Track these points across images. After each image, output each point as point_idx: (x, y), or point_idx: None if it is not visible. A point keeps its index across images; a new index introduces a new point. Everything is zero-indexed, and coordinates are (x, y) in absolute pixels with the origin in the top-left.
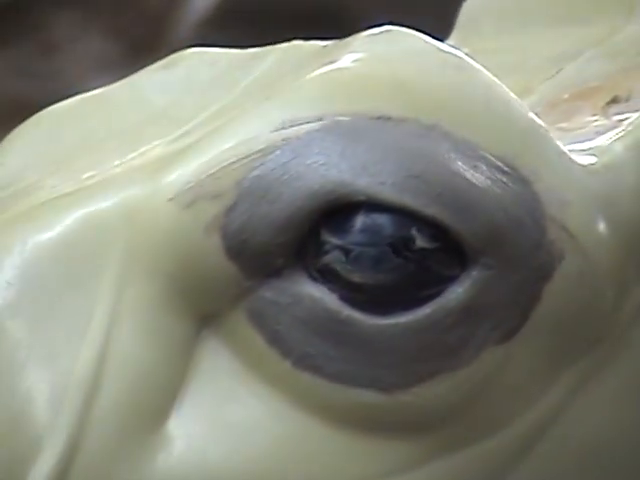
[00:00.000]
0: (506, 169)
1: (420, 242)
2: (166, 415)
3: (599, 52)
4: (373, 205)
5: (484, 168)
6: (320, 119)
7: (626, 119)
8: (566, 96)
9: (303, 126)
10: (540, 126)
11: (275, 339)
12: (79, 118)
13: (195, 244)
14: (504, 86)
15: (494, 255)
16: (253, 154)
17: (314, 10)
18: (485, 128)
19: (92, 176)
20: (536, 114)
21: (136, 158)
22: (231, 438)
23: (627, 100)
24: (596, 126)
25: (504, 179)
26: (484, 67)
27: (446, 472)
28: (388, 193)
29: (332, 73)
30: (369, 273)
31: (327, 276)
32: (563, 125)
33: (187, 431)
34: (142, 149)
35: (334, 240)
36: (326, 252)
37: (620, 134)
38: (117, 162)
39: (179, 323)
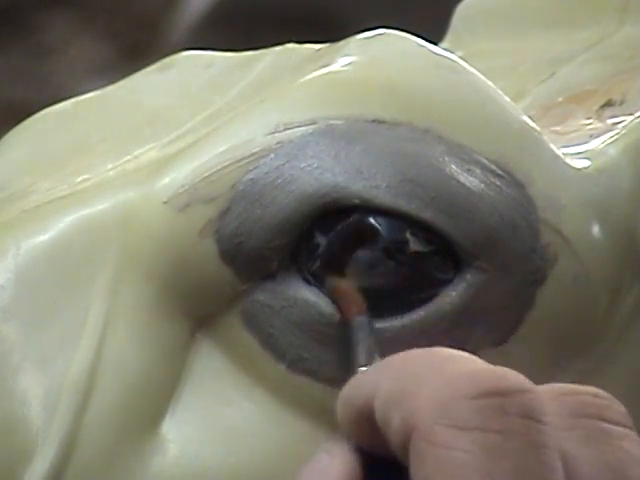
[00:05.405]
0: (500, 172)
1: (414, 246)
2: (160, 418)
3: (593, 55)
4: (367, 209)
5: (478, 172)
6: (314, 122)
7: (620, 122)
8: (560, 99)
9: (297, 129)
10: (534, 129)
11: (269, 342)
12: (73, 121)
13: (189, 247)
14: (498, 89)
15: (488, 259)
16: (247, 157)
17: (308, 13)
18: (479, 131)
19: (86, 179)
20: (530, 117)
21: (130, 161)
22: (225, 441)
23: (621, 103)
24: (590, 129)
25: (498, 182)
26: (478, 70)
27: None
28: (382, 197)
29: (326, 76)
30: (363, 277)
31: (321, 279)
32: (557, 128)
33: (181, 434)
34: (136, 152)
35: None
36: (320, 255)
37: (614, 137)
38: (111, 165)
39: (173, 326)
